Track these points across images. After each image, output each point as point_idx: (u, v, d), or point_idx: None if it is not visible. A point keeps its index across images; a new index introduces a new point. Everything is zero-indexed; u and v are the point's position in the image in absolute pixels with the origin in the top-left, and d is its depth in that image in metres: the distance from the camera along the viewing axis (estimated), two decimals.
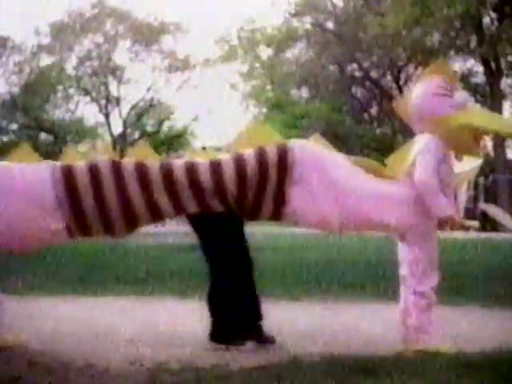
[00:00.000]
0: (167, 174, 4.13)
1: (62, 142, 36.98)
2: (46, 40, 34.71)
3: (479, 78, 30.14)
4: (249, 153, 4.23)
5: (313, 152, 4.30)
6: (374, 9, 28.12)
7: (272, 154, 4.21)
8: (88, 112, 38.01)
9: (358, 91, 34.03)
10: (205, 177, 4.14)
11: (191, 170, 4.15)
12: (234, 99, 36.79)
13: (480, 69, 28.95)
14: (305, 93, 34.92)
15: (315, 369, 3.61)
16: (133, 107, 36.35)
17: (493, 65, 26.84)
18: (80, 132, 37.55)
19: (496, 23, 26.75)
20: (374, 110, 34.74)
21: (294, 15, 31.44)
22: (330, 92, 31.25)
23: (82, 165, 4.15)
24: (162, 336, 4.68)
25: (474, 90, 30.82)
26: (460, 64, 30.39)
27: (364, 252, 11.21)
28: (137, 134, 38.34)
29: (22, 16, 44.02)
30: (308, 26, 31.97)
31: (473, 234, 17.27)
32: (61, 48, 34.21)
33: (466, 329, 4.98)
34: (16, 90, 34.78)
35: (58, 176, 4.10)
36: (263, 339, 4.36)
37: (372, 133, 32.61)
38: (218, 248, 4.38)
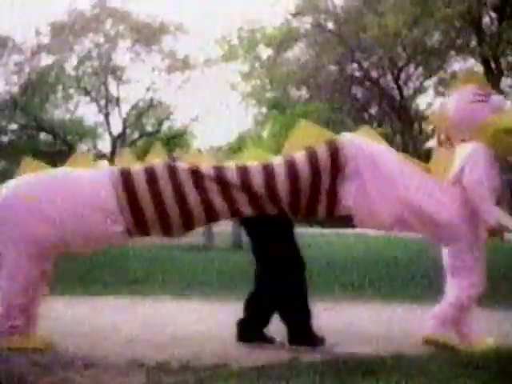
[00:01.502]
0: (221, 177, 4.17)
1: (62, 142, 37.00)
2: (46, 40, 34.67)
3: None
4: (300, 155, 4.22)
5: (364, 146, 4.27)
6: (374, 9, 28.09)
7: (323, 154, 4.21)
8: (88, 112, 38.02)
9: (358, 91, 34.00)
10: (258, 181, 4.16)
11: (244, 173, 4.18)
12: (234, 99, 36.83)
13: (480, 69, 28.93)
14: (305, 93, 34.90)
15: (315, 369, 3.61)
16: (133, 107, 36.34)
17: (493, 65, 26.83)
18: (80, 132, 37.55)
19: (496, 23, 26.74)
20: (374, 110, 34.72)
21: (294, 15, 31.42)
22: (329, 92, 31.22)
23: (139, 168, 4.23)
24: (162, 336, 4.69)
25: None
26: (460, 64, 30.42)
27: (364, 252, 11.21)
28: (137, 134, 38.32)
29: (22, 16, 44.04)
30: (308, 26, 31.96)
31: None
32: (61, 48, 34.16)
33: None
34: (16, 89, 34.76)
35: (117, 179, 4.18)
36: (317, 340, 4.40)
37: None
38: (270, 250, 4.40)
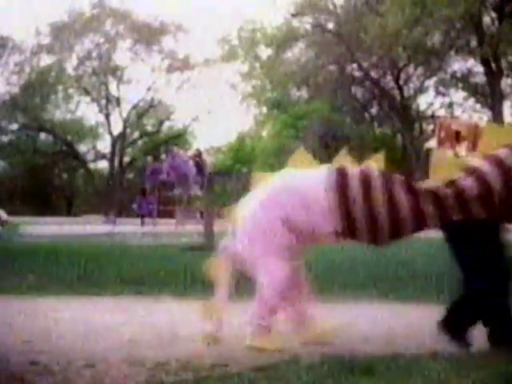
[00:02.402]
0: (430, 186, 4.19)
1: (62, 142, 37.00)
2: (46, 40, 34.68)
3: (479, 78, 30.11)
4: (504, 153, 4.17)
5: None
6: (375, 9, 28.09)
7: None
8: (88, 112, 37.98)
9: (357, 91, 33.98)
10: (469, 185, 4.13)
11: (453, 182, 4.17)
12: (234, 99, 36.77)
13: (480, 69, 28.93)
14: (305, 93, 34.88)
15: (315, 369, 3.61)
16: (133, 107, 36.33)
17: (493, 65, 26.82)
18: (80, 132, 37.55)
19: (496, 23, 26.74)
20: (374, 110, 34.70)
21: (294, 15, 31.41)
22: (329, 92, 31.20)
23: (354, 171, 4.27)
24: (162, 336, 4.68)
25: (474, 90, 30.83)
26: (460, 64, 30.42)
27: (364, 252, 11.18)
28: (137, 134, 38.33)
29: (22, 16, 44.02)
30: (308, 26, 31.95)
31: None
32: (61, 48, 34.17)
33: None
34: (16, 89, 34.76)
35: (333, 180, 4.22)
36: None
37: (372, 133, 32.59)
38: (478, 254, 4.28)
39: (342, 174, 4.25)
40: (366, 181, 4.21)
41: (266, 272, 4.25)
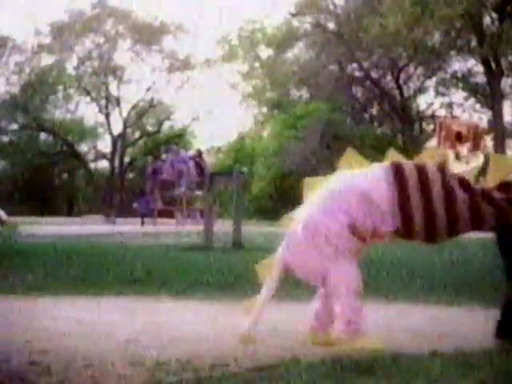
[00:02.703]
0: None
1: (62, 141, 37.01)
2: (46, 40, 34.72)
3: (479, 77, 30.13)
4: None
5: None
6: (375, 9, 28.09)
7: None
8: (88, 112, 38.01)
9: (358, 91, 34.00)
10: None
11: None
12: (234, 99, 36.78)
13: (480, 69, 28.95)
14: (305, 93, 34.90)
15: (315, 369, 3.61)
16: (133, 107, 36.34)
17: (493, 65, 26.83)
18: (80, 132, 37.56)
19: (496, 23, 26.75)
20: (374, 110, 34.72)
21: (294, 15, 31.43)
22: (329, 92, 31.21)
23: (411, 167, 4.21)
24: (162, 336, 4.68)
25: (474, 89, 30.84)
26: (460, 64, 30.43)
27: (363, 252, 11.18)
28: (137, 134, 38.34)
29: (22, 16, 44.05)
30: (308, 26, 31.96)
31: (472, 234, 17.23)
32: (61, 48, 34.19)
33: (466, 329, 4.98)
34: (16, 89, 34.78)
35: (391, 176, 4.18)
36: None
37: (372, 133, 32.60)
38: None
39: (398, 170, 4.19)
40: (423, 176, 4.15)
41: (340, 276, 4.17)
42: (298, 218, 4.37)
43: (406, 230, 4.19)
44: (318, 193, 4.36)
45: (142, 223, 18.93)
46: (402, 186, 4.15)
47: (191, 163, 17.37)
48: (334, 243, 4.17)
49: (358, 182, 4.26)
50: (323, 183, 4.43)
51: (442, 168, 4.22)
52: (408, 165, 4.24)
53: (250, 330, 4.39)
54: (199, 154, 18.76)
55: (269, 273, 4.45)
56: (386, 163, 4.30)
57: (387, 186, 4.17)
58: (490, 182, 4.31)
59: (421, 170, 4.18)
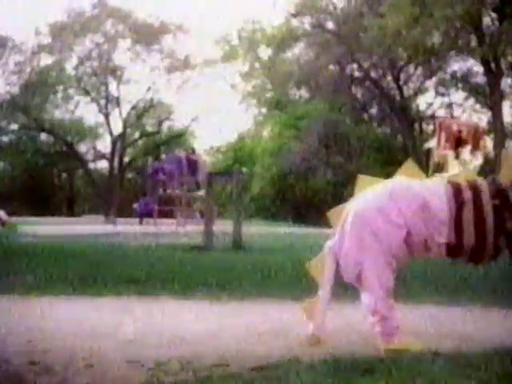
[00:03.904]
0: None
1: (62, 142, 36.99)
2: (46, 40, 34.71)
3: (479, 78, 30.14)
4: None
5: None
6: (374, 9, 28.09)
7: None
8: (88, 112, 38.02)
9: (358, 91, 34.01)
10: None
11: None
12: (234, 99, 36.78)
13: (480, 69, 28.95)
14: (305, 93, 34.92)
15: (315, 369, 3.61)
16: (133, 107, 36.34)
17: (493, 65, 26.82)
18: (80, 132, 37.55)
19: (496, 23, 26.74)
20: (373, 110, 34.72)
21: (294, 15, 31.42)
22: (329, 92, 31.21)
23: (465, 184, 4.26)
24: (162, 336, 4.68)
25: (474, 90, 30.84)
26: (460, 64, 30.43)
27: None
28: (137, 134, 38.34)
29: (22, 16, 44.05)
30: (308, 26, 31.96)
31: None
32: (61, 48, 34.18)
33: (466, 329, 4.98)
34: (16, 89, 34.77)
35: (451, 193, 4.22)
36: None
37: (372, 133, 32.60)
38: None
39: (457, 189, 4.24)
40: (476, 195, 4.20)
41: (374, 270, 4.17)
42: (348, 211, 4.36)
43: (456, 246, 4.21)
44: (373, 190, 4.36)
45: (140, 222, 19.15)
46: (458, 202, 4.19)
47: (184, 162, 17.27)
48: (382, 241, 4.17)
49: (417, 188, 4.29)
50: (378, 183, 4.45)
51: (492, 187, 4.24)
52: (463, 183, 4.29)
53: (315, 331, 4.38)
54: (192, 151, 18.69)
55: (321, 272, 4.45)
56: (445, 179, 4.35)
57: (446, 198, 4.21)
58: (504, 179, 4.32)
59: (474, 189, 4.23)
